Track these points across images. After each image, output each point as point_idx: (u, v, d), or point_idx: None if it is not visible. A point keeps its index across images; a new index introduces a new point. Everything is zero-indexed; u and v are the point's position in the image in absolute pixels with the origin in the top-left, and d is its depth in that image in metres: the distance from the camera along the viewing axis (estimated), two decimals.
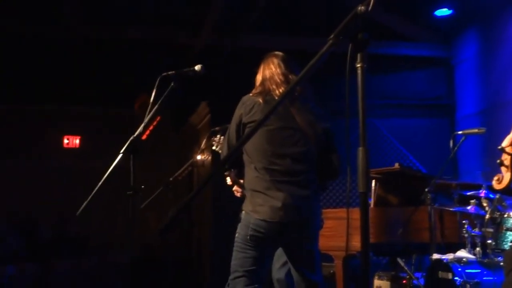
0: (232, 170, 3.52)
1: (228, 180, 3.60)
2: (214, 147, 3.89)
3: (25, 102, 9.12)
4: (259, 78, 3.43)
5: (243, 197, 3.39)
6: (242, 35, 7.32)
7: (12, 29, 7.06)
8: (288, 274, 3.60)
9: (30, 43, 7.43)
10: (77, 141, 9.91)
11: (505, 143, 3.73)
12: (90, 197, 2.99)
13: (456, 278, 3.90)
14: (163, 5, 6.94)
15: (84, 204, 3.02)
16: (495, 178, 3.81)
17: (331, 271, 5.10)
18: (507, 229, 3.86)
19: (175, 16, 7.21)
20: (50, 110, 9.48)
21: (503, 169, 3.74)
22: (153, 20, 7.26)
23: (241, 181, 3.45)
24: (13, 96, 8.76)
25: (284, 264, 3.66)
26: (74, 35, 7.14)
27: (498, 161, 3.72)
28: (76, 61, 7.86)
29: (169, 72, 3.12)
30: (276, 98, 3.21)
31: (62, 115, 9.65)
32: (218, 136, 3.85)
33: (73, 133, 9.88)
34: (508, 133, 3.75)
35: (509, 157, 3.68)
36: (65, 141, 9.87)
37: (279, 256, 3.63)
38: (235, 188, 3.58)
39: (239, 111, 3.27)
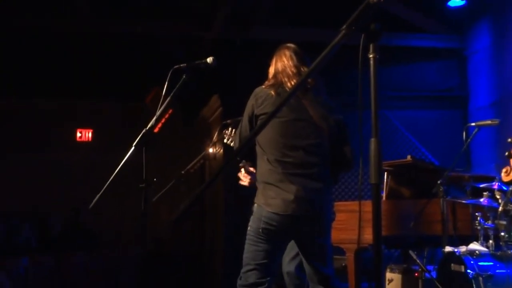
0: (246, 161, 3.53)
1: (243, 172, 3.60)
2: (225, 140, 3.89)
3: (38, 96, 9.19)
4: (271, 70, 3.42)
5: (251, 187, 3.39)
6: (254, 27, 7.31)
7: (25, 23, 7.09)
8: (298, 267, 3.61)
9: (42, 38, 7.47)
10: (90, 135, 9.96)
11: None
12: (102, 190, 3.01)
13: (468, 270, 3.88)
14: None
15: (97, 197, 3.04)
16: (504, 170, 3.81)
17: (343, 264, 5.09)
18: None
19: (187, 9, 7.20)
20: (63, 104, 9.54)
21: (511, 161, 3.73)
22: (164, 13, 7.26)
23: (251, 169, 3.46)
24: (25, 90, 8.83)
25: (295, 257, 3.66)
26: (86, 29, 7.16)
27: (507, 153, 3.71)
28: (89, 55, 7.90)
29: (181, 65, 3.13)
30: (288, 90, 3.21)
31: (75, 108, 9.71)
32: (230, 129, 3.86)
33: (85, 126, 9.93)
34: None
35: None
36: (78, 134, 9.92)
37: (290, 249, 3.63)
38: (243, 175, 3.57)
39: (251, 102, 3.27)
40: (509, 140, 3.72)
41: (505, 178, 3.85)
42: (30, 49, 7.65)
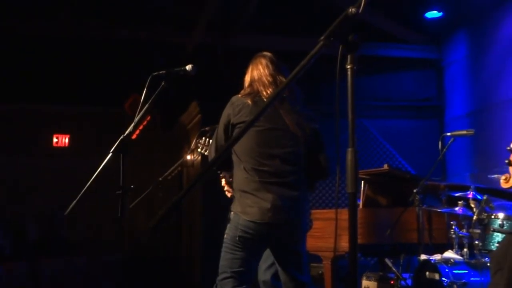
0: (227, 171, 3.52)
1: (223, 182, 3.60)
2: (199, 150, 3.87)
3: (14, 101, 9.07)
4: (247, 79, 3.41)
5: (233, 198, 3.39)
6: (235, 35, 7.33)
7: (3, 28, 7.02)
8: (274, 276, 3.59)
9: (20, 41, 7.39)
10: (67, 140, 9.86)
11: None
12: (79, 196, 2.99)
13: (443, 278, 3.92)
14: (156, 4, 6.93)
15: (73, 203, 3.02)
16: (503, 177, 3.85)
17: (320, 272, 5.11)
18: (494, 230, 3.90)
19: (168, 16, 7.20)
20: (40, 108, 9.44)
21: (510, 169, 3.78)
22: (145, 20, 7.24)
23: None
24: (1, 95, 8.71)
25: (271, 266, 3.64)
26: (65, 34, 7.11)
27: (506, 161, 3.76)
28: (67, 60, 7.84)
29: (160, 72, 3.13)
30: (265, 99, 3.21)
31: (52, 113, 9.60)
32: (203, 138, 3.84)
33: (62, 132, 9.83)
34: (499, 134, 3.79)
35: None
36: (55, 140, 9.82)
37: (266, 257, 3.61)
38: (226, 188, 3.58)
39: (228, 111, 3.26)
40: (508, 148, 3.77)
41: (504, 185, 3.90)
42: (6, 53, 7.56)
